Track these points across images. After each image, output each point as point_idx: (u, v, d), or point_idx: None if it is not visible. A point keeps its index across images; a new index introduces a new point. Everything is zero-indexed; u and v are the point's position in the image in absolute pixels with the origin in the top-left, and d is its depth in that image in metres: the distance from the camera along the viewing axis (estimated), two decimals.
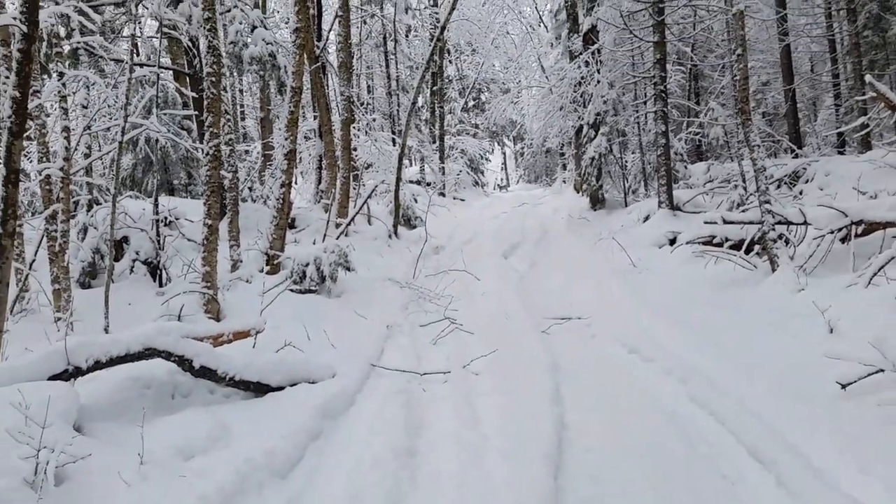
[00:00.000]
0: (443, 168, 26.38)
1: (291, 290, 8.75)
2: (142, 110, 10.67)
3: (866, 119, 11.37)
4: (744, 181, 11.82)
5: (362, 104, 25.12)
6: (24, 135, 5.04)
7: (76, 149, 9.97)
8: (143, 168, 15.30)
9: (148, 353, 5.13)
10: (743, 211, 10.13)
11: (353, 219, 13.14)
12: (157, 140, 9.77)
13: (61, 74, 8.39)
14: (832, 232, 6.91)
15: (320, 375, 5.96)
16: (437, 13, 26.83)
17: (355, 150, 16.58)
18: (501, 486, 4.06)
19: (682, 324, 7.07)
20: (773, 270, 7.27)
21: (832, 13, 16.60)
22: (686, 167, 16.27)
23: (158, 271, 9.33)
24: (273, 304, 7.83)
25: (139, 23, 10.44)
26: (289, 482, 4.33)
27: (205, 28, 8.20)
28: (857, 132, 12.61)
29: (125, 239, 9.67)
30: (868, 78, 9.84)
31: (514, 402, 5.51)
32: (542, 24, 31.57)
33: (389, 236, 14.39)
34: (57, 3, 8.22)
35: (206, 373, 5.37)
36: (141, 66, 12.11)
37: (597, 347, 7.10)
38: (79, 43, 8.96)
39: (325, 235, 11.41)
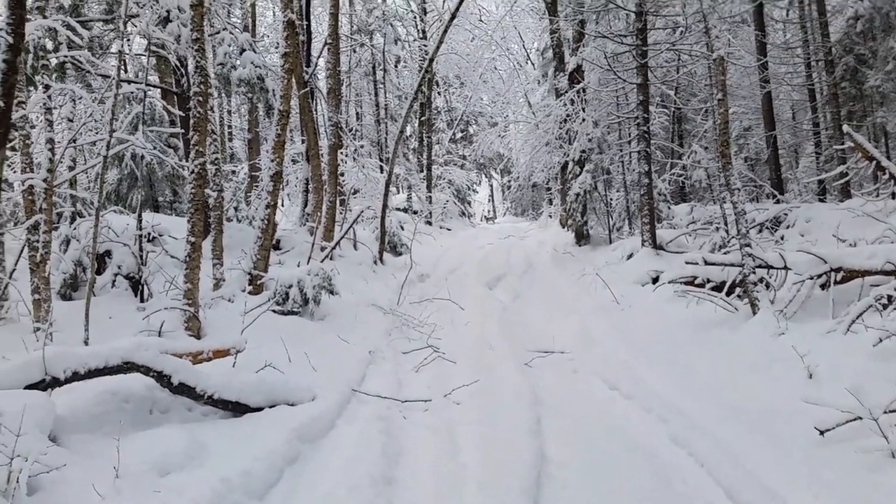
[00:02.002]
0: (430, 197, 26.50)
1: (274, 312, 8.70)
2: (128, 126, 10.65)
3: (845, 168, 11.63)
4: (725, 224, 12.01)
5: (350, 130, 25.24)
6: (8, 145, 5.00)
7: (60, 161, 9.91)
8: (129, 183, 15.21)
9: (127, 367, 5.07)
10: (725, 253, 10.27)
11: (338, 243, 13.13)
12: (142, 156, 9.74)
13: (47, 87, 8.36)
14: (812, 278, 7.01)
15: (300, 398, 5.91)
16: (425, 45, 27.19)
17: (342, 175, 16.62)
18: None
19: (664, 362, 7.10)
20: (754, 313, 7.34)
21: (811, 63, 17.05)
22: (669, 207, 16.50)
23: (140, 286, 9.24)
24: (254, 324, 7.77)
25: (128, 40, 10.44)
26: None
27: (193, 48, 8.25)
28: (836, 180, 12.88)
29: (108, 253, 9.58)
30: (846, 128, 10.12)
31: (494, 434, 5.49)
32: (529, 62, 32.09)
33: (374, 262, 14.38)
34: (44, 17, 8.23)
35: (184, 390, 5.31)
36: (128, 82, 12.12)
37: (578, 382, 7.11)
38: (66, 57, 8.94)
39: (309, 258, 11.38)
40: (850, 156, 11.97)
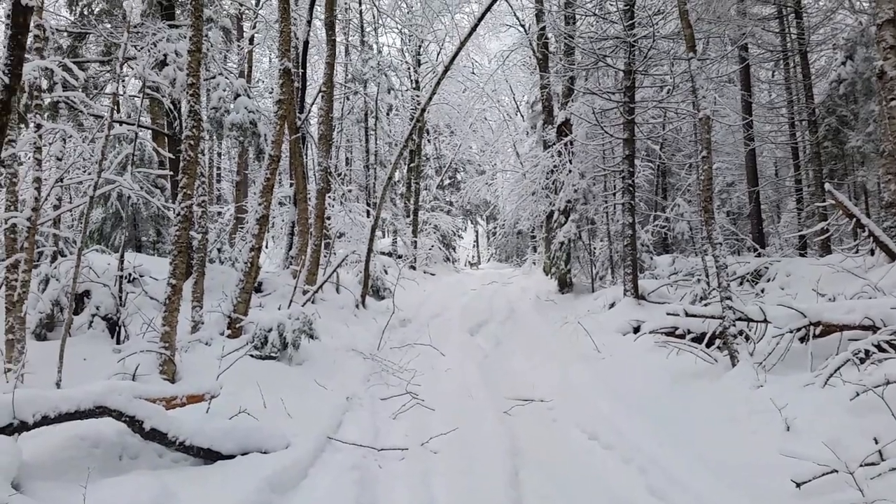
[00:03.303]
0: (415, 242, 26.58)
1: (252, 356, 8.59)
2: (117, 166, 10.67)
3: (826, 224, 11.82)
4: (707, 276, 12.09)
5: (339, 175, 25.43)
6: None
7: (46, 199, 9.88)
8: (113, 223, 15.18)
9: (98, 412, 4.98)
10: (705, 305, 10.32)
11: (321, 286, 13.08)
12: (128, 196, 9.75)
13: (39, 126, 8.39)
14: (791, 331, 7.04)
15: (273, 445, 5.80)
16: (418, 95, 27.63)
17: (329, 218, 16.66)
18: None
19: (643, 413, 7.06)
20: (734, 365, 7.35)
21: (795, 123, 17.45)
22: (652, 258, 16.63)
23: (118, 328, 9.13)
24: (231, 368, 7.66)
25: (123, 82, 10.58)
26: None
27: (188, 92, 8.33)
28: (817, 236, 13.06)
29: (87, 293, 9.49)
30: (828, 186, 10.33)
31: (471, 485, 5.41)
32: (518, 114, 32.69)
33: (357, 306, 14.32)
34: (42, 58, 8.31)
35: (156, 435, 5.21)
36: (120, 123, 12.18)
37: (558, 431, 7.04)
38: (60, 97, 9.01)
39: (290, 301, 11.31)
40: (832, 213, 12.18)
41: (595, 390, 8.33)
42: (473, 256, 43.93)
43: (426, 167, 32.94)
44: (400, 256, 25.17)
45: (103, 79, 14.97)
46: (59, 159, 11.93)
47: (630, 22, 13.38)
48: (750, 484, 4.85)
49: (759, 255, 15.21)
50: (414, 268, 24.84)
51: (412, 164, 28.59)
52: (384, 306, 14.85)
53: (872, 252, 9.71)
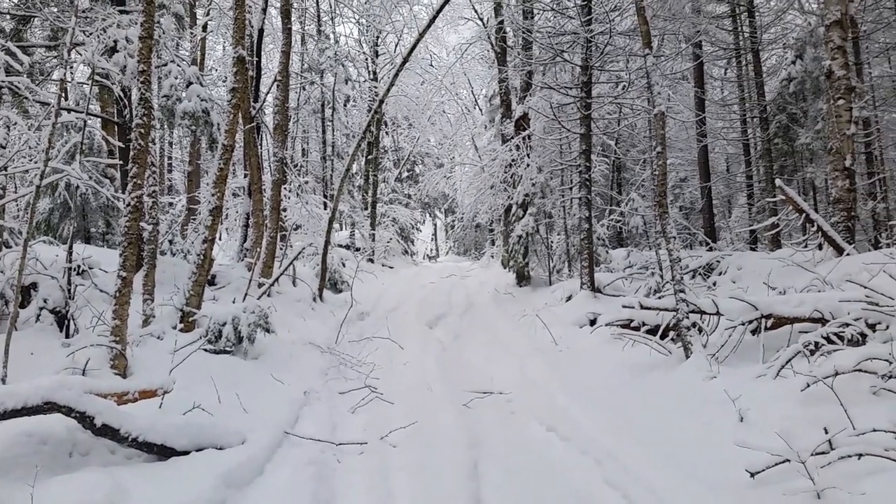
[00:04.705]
0: (373, 235, 26.43)
1: (206, 350, 8.42)
2: (65, 155, 10.31)
3: (776, 219, 12.11)
4: (661, 269, 12.31)
5: (296, 166, 25.11)
6: None
7: None
8: (61, 213, 14.69)
9: (47, 408, 4.81)
10: (659, 297, 10.49)
11: (276, 279, 12.89)
12: (77, 186, 9.43)
13: None
14: (744, 324, 7.20)
15: (228, 441, 5.70)
16: (376, 87, 27.42)
17: (285, 210, 16.44)
18: None
19: (600, 405, 7.15)
20: (687, 357, 7.48)
21: (747, 120, 17.86)
22: (608, 252, 16.86)
23: (66, 321, 8.84)
24: (184, 363, 7.50)
25: (71, 68, 10.20)
26: None
27: (138, 80, 8.08)
28: (767, 231, 13.39)
29: (33, 285, 9.15)
30: (778, 182, 10.57)
31: (430, 478, 5.40)
32: (477, 107, 32.73)
33: (314, 299, 14.16)
34: None
35: (107, 431, 5.06)
36: (68, 111, 11.77)
37: (516, 424, 7.07)
38: (3, 82, 8.66)
39: (245, 294, 11.12)
40: (782, 208, 12.48)
41: (552, 383, 8.40)
42: (432, 249, 43.96)
43: (384, 159, 32.76)
44: (358, 249, 24.99)
45: (50, 65, 14.45)
46: (3, 147, 11.49)
47: (587, 17, 13.48)
48: (705, 474, 4.94)
49: (710, 249, 15.54)
50: (372, 261, 24.70)
51: (370, 156, 28.39)
52: (342, 299, 14.73)
53: (821, 247, 10.00)
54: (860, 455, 4.32)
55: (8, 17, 13.45)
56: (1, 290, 9.07)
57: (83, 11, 11.22)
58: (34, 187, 7.51)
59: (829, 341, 6.28)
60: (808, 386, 5.33)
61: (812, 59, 15.07)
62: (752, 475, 4.60)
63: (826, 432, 4.56)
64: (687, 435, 5.80)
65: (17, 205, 14.71)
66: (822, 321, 6.70)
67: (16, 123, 9.25)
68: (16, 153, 10.18)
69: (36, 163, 9.19)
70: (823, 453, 4.47)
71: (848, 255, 9.14)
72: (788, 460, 4.48)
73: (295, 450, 6.01)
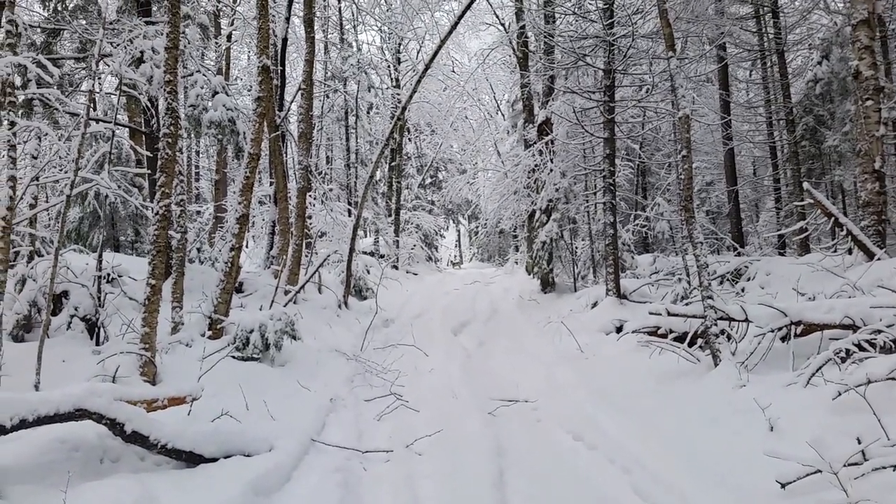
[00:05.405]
0: (397, 241, 26.53)
1: (233, 357, 8.51)
2: (94, 165, 10.49)
3: (805, 223, 11.93)
4: (687, 275, 12.17)
5: (320, 174, 25.28)
6: None
7: (22, 198, 9.69)
8: (90, 222, 14.95)
9: (78, 415, 4.89)
10: (686, 304, 10.38)
11: (303, 286, 12.98)
12: (106, 195, 9.59)
13: (13, 124, 8.22)
14: (773, 331, 7.10)
15: (256, 448, 5.74)
16: (398, 94, 27.56)
17: (310, 217, 16.56)
18: None
19: (627, 413, 7.08)
20: (716, 365, 7.39)
21: (773, 122, 17.64)
22: (633, 257, 16.72)
23: (97, 329, 8.98)
24: (213, 370, 7.58)
25: (99, 79, 10.40)
26: None
27: (165, 90, 8.21)
28: (796, 235, 13.20)
29: (65, 293, 9.32)
30: (806, 185, 10.41)
31: (455, 486, 5.39)
32: (499, 112, 32.73)
33: (339, 306, 14.24)
34: (15, 54, 8.14)
35: (137, 438, 5.13)
36: (97, 121, 11.99)
37: (542, 432, 7.03)
38: (34, 94, 8.84)
39: (272, 302, 11.21)
40: (810, 212, 12.31)
41: (579, 390, 8.34)
42: (456, 256, 43.96)
43: (407, 166, 32.88)
44: (382, 256, 25.09)
45: (79, 76, 14.72)
46: (35, 157, 11.71)
47: (609, 21, 13.42)
48: (734, 484, 4.87)
49: (738, 255, 15.35)
50: (396, 267, 24.78)
51: (393, 163, 28.52)
52: (367, 306, 14.79)
53: (850, 251, 9.82)
54: (895, 467, 4.23)
55: (39, 30, 13.73)
56: (33, 298, 9.25)
57: (110, 23, 11.42)
58: (65, 197, 7.66)
59: (861, 348, 6.15)
60: (840, 394, 5.23)
61: (839, 60, 14.85)
62: (783, 486, 4.53)
63: (859, 442, 4.48)
64: (716, 444, 5.73)
65: (48, 214, 15.00)
66: (853, 328, 6.58)
67: (47, 134, 9.43)
68: (47, 163, 10.39)
69: (66, 173, 9.38)
70: (856, 464, 4.38)
71: (879, 259, 8.96)
72: (820, 471, 4.40)
73: (322, 457, 6.04)
